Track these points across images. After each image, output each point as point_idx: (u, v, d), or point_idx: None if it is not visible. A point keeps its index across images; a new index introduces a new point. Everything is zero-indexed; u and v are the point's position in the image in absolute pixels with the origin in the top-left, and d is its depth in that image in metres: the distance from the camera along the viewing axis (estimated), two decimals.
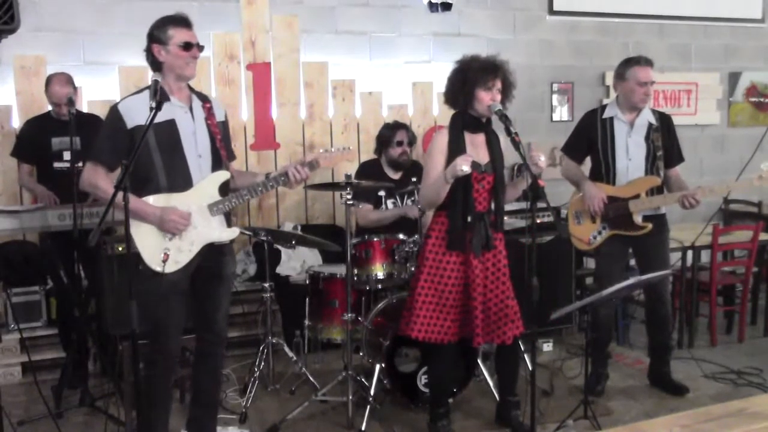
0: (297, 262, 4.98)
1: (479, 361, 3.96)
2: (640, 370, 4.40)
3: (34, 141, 4.26)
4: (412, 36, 5.72)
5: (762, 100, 6.95)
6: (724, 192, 5.17)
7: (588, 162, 4.15)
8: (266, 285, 4.14)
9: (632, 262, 4.22)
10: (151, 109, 2.71)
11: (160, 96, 2.73)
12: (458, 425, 3.68)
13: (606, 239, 3.99)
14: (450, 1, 5.61)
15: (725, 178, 6.39)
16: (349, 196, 3.65)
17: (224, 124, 3.22)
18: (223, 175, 3.09)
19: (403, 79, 5.65)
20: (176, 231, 2.94)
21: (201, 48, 3.04)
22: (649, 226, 3.89)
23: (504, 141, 3.35)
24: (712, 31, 6.69)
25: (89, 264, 4.07)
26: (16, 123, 4.72)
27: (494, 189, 3.33)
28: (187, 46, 2.97)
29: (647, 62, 3.93)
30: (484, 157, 3.33)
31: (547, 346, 4.82)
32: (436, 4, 5.61)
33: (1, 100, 4.75)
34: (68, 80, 4.19)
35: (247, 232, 4.67)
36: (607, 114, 4.00)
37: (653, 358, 4.23)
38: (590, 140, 4.02)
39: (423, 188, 3.41)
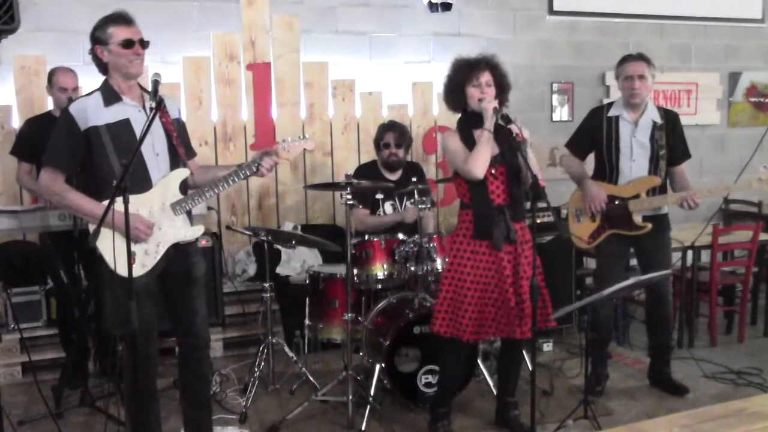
0: (297, 262, 4.98)
1: (479, 361, 3.97)
2: (640, 370, 4.40)
3: (34, 140, 4.26)
4: (412, 36, 5.72)
5: (762, 100, 6.95)
6: (724, 193, 5.17)
7: (591, 159, 4.14)
8: (266, 285, 4.13)
9: (633, 261, 4.21)
10: (151, 109, 2.70)
11: (158, 96, 2.72)
12: (458, 425, 3.68)
13: (606, 238, 3.99)
14: (450, 1, 5.61)
15: (725, 178, 6.40)
16: (349, 197, 3.65)
17: (179, 122, 3.16)
18: (182, 173, 3.04)
19: (403, 79, 5.65)
20: (138, 240, 2.88)
21: (145, 44, 2.97)
22: (649, 226, 3.88)
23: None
24: (712, 31, 6.69)
25: (89, 264, 4.06)
26: (16, 123, 4.73)
27: (509, 179, 3.31)
28: (128, 44, 2.91)
29: (636, 57, 3.92)
30: (493, 150, 3.31)
31: (547, 346, 4.82)
32: (436, 4, 5.61)
33: (1, 100, 4.75)
34: (71, 70, 4.22)
35: (247, 232, 4.67)
36: (612, 112, 3.98)
37: (653, 358, 4.23)
38: (594, 138, 4.01)
39: (466, 163, 3.27)
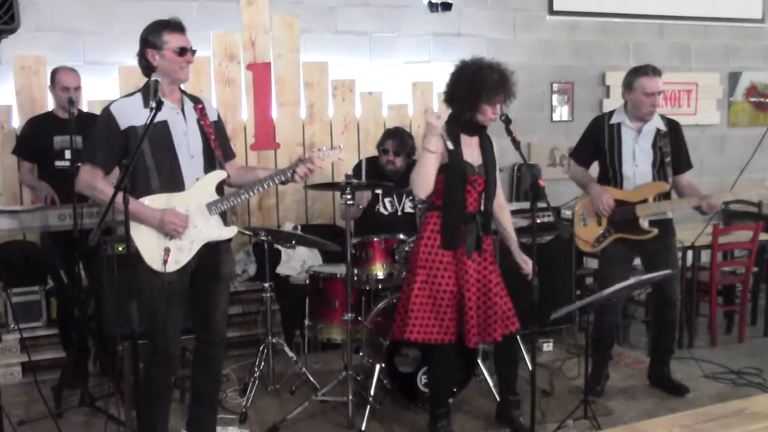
0: (297, 262, 4.98)
1: (479, 361, 3.97)
2: (640, 370, 4.40)
3: (36, 139, 4.27)
4: (412, 36, 5.72)
5: (762, 100, 6.95)
6: (746, 195, 5.06)
7: (596, 166, 4.14)
8: (266, 285, 4.13)
9: (636, 261, 4.21)
10: (152, 109, 2.73)
11: (157, 97, 2.75)
12: (458, 425, 3.68)
13: (611, 242, 4.00)
14: (450, 1, 5.61)
15: (725, 178, 6.39)
16: (348, 196, 3.65)
17: (217, 124, 3.23)
18: (220, 175, 3.12)
19: (403, 79, 5.65)
20: (175, 234, 2.96)
21: (194, 52, 3.06)
22: (655, 231, 3.88)
23: (497, 145, 3.43)
24: (712, 31, 6.69)
25: (89, 264, 4.07)
26: (17, 123, 4.72)
27: (485, 191, 3.36)
28: (183, 51, 3.00)
29: (655, 72, 3.86)
30: (477, 159, 3.35)
31: (547, 346, 4.82)
32: (436, 4, 5.61)
33: (1, 100, 4.75)
34: (74, 70, 4.23)
35: (247, 232, 4.67)
36: (614, 120, 3.99)
37: (653, 358, 4.23)
38: (597, 146, 4.02)
39: (414, 175, 3.32)
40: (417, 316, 3.34)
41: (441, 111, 3.24)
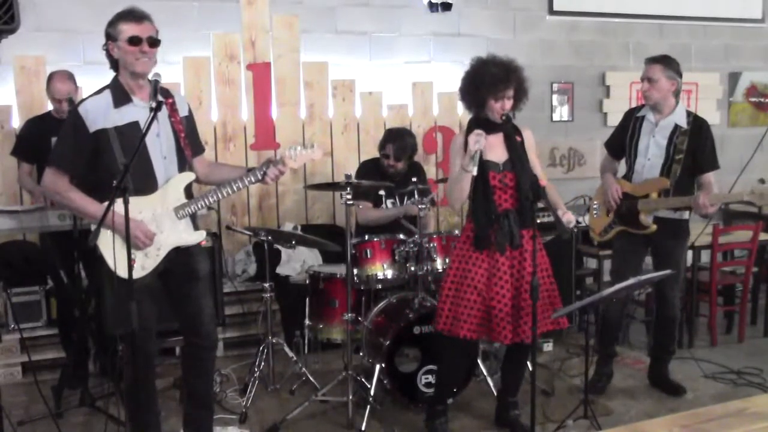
0: (297, 262, 4.98)
1: (479, 361, 3.97)
2: (640, 370, 4.40)
3: (35, 140, 4.26)
4: (412, 36, 5.72)
5: (762, 100, 6.95)
6: (733, 198, 5.06)
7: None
8: (266, 285, 4.13)
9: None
10: (151, 109, 2.67)
11: (157, 97, 2.69)
12: (458, 425, 3.68)
13: (616, 234, 4.06)
14: (450, 1, 5.61)
15: (725, 178, 6.36)
16: (349, 196, 3.65)
17: (188, 119, 3.12)
18: (188, 177, 3.02)
19: (403, 79, 5.65)
20: (137, 248, 2.86)
21: (154, 42, 2.89)
22: (654, 227, 3.89)
23: (531, 136, 3.42)
24: (712, 31, 6.69)
25: (89, 264, 4.06)
26: (16, 123, 4.72)
27: (517, 186, 3.30)
28: (134, 41, 2.83)
29: (651, 60, 4.00)
30: (502, 156, 3.32)
31: (547, 346, 4.83)
32: (436, 4, 5.61)
33: (1, 100, 4.75)
34: (69, 77, 4.19)
35: (247, 232, 4.67)
36: (641, 113, 4.03)
37: (653, 358, 4.23)
38: (622, 137, 4.08)
39: (447, 186, 3.44)
40: (442, 307, 3.37)
41: (482, 137, 3.16)
